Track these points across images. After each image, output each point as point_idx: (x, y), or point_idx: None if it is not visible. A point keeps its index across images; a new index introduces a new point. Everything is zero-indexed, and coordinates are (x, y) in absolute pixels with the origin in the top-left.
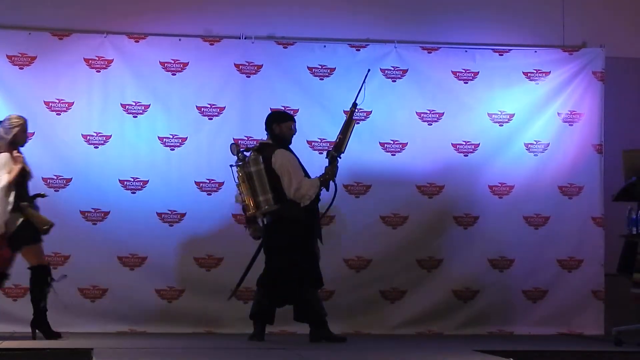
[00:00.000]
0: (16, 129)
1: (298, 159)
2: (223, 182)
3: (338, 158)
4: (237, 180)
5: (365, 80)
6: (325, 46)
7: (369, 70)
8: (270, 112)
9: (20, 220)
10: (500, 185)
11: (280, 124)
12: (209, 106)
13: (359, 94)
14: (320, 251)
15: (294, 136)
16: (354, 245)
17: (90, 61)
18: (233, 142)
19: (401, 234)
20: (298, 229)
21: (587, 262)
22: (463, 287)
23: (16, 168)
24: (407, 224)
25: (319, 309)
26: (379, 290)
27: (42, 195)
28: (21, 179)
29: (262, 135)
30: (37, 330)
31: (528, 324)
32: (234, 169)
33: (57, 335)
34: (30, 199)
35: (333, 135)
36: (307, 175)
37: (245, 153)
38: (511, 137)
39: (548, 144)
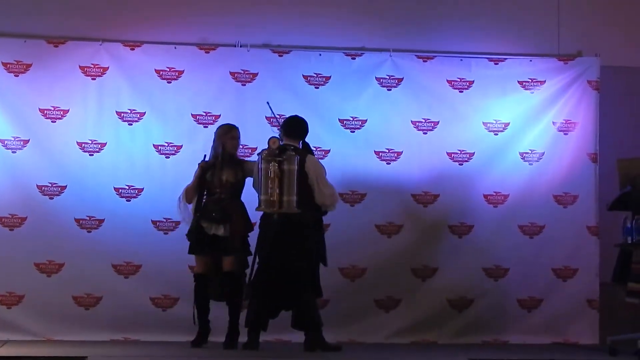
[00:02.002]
0: (218, 139)
1: None
2: None
3: None
4: (271, 174)
5: (273, 112)
6: (320, 55)
7: (268, 102)
8: (302, 119)
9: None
10: (495, 194)
11: (306, 136)
12: (204, 114)
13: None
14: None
15: None
16: (349, 254)
17: (85, 69)
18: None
19: (396, 243)
20: (309, 236)
21: (582, 271)
22: (458, 296)
23: (191, 183)
24: (402, 233)
25: (316, 317)
26: (373, 299)
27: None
28: (201, 189)
29: (257, 142)
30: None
31: (523, 333)
32: (268, 161)
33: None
34: (209, 206)
35: (328, 144)
36: None
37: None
38: (506, 146)
39: (543, 153)
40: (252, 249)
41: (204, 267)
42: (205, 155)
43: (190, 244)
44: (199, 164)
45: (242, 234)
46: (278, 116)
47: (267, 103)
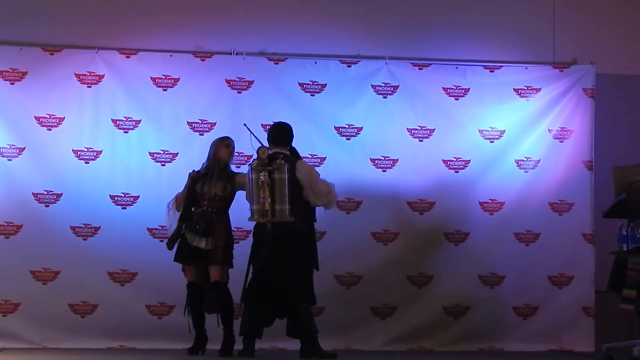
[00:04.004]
0: (213, 148)
1: None
2: None
3: None
4: (261, 183)
5: (252, 132)
6: (316, 62)
7: (245, 124)
8: (287, 125)
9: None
10: (491, 201)
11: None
12: (200, 122)
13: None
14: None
15: None
16: (345, 262)
17: (81, 77)
18: (262, 145)
19: (392, 250)
20: (302, 244)
21: (577, 278)
22: (453, 304)
23: (180, 194)
24: (398, 240)
25: (311, 325)
26: (369, 307)
27: (208, 214)
28: (191, 199)
29: (252, 151)
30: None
31: (519, 341)
32: (258, 171)
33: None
34: (194, 219)
35: (323, 151)
36: None
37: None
38: (502, 153)
39: (539, 161)
40: (234, 261)
41: (194, 275)
42: (203, 164)
43: (175, 253)
44: (189, 174)
45: (223, 248)
46: (257, 137)
47: (245, 125)
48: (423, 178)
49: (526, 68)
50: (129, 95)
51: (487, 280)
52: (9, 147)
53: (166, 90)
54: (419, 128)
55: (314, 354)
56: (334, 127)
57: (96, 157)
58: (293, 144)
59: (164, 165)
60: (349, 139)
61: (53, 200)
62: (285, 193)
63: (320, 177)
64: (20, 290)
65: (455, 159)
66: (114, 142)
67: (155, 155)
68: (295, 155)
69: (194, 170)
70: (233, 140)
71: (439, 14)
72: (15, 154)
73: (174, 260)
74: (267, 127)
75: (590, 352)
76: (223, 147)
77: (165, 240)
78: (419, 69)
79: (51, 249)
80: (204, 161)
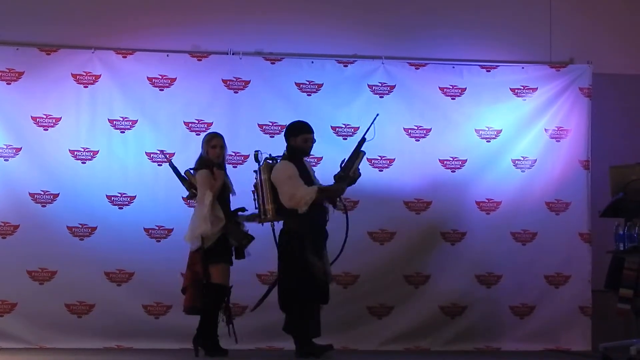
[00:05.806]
0: (205, 146)
1: (311, 170)
2: None
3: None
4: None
5: (374, 122)
6: (313, 62)
7: (377, 114)
8: (288, 123)
9: (218, 236)
10: (487, 201)
11: (296, 136)
12: (197, 122)
13: (368, 131)
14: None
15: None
16: (342, 261)
17: (78, 76)
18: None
19: (389, 250)
20: (298, 242)
21: (574, 278)
22: (450, 303)
23: (216, 185)
24: (395, 240)
25: (306, 325)
26: (366, 306)
27: (243, 210)
28: (222, 195)
29: (249, 150)
30: (198, 347)
31: (515, 340)
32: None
33: (223, 352)
34: (231, 214)
35: (320, 151)
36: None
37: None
38: (498, 153)
39: (535, 160)
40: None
41: (228, 277)
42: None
43: (220, 252)
44: (214, 169)
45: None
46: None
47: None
48: (420, 178)
49: (523, 67)
50: (126, 95)
51: (484, 279)
52: (5, 147)
53: (163, 90)
54: (416, 128)
55: (310, 353)
56: (331, 126)
57: (93, 157)
58: None
59: (161, 165)
60: (346, 139)
61: (50, 200)
62: (268, 192)
63: (293, 181)
64: (16, 290)
65: (451, 159)
66: (111, 142)
67: (151, 155)
68: (294, 153)
69: (190, 168)
70: (222, 137)
71: (435, 13)
72: (12, 154)
73: (218, 262)
74: (264, 126)
75: (587, 352)
76: (210, 148)
77: (195, 243)
78: (416, 68)
79: (48, 249)
80: (200, 156)
